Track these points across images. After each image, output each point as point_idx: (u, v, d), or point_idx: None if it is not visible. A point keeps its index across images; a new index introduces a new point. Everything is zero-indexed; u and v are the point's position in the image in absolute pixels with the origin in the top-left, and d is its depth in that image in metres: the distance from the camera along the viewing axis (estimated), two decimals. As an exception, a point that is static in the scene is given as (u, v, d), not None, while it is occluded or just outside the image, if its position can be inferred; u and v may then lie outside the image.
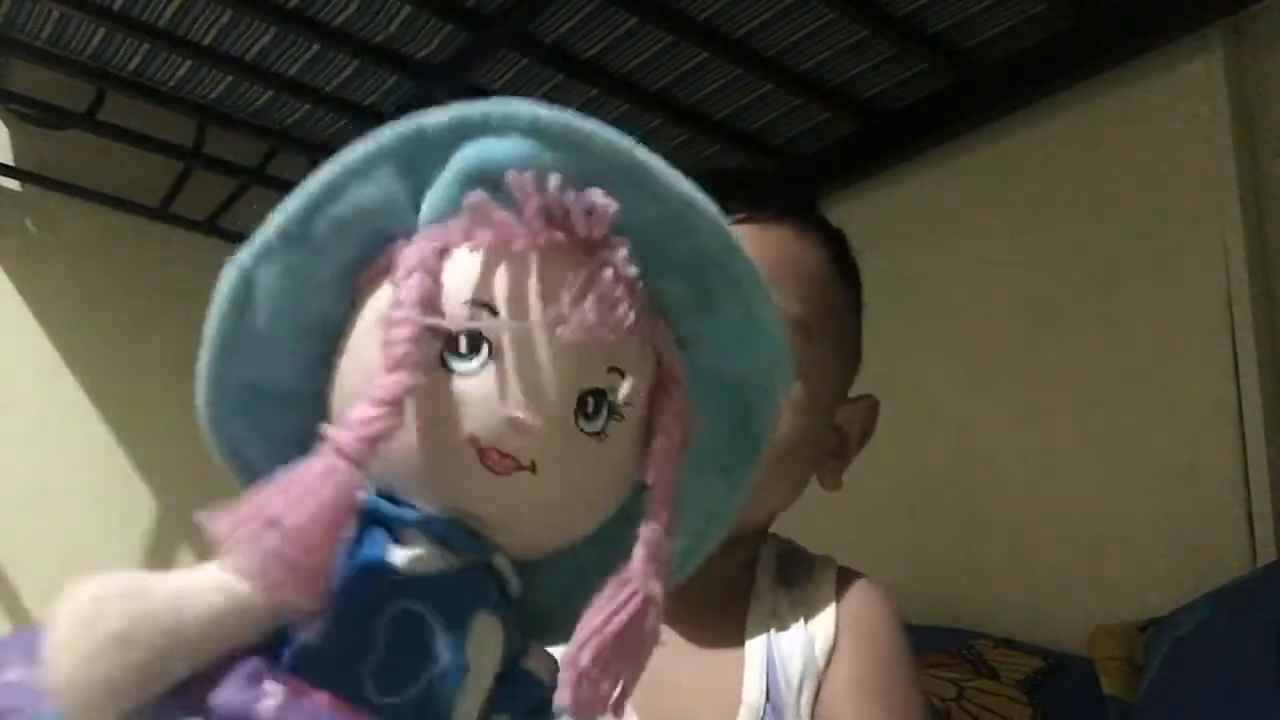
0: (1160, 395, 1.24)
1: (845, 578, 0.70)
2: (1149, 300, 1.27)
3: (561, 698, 0.38)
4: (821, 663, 0.65)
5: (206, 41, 1.41)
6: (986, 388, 1.42)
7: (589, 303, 0.38)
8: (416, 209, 0.40)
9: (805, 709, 0.64)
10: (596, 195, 0.38)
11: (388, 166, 0.39)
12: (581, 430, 0.39)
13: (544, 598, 0.42)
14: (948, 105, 1.45)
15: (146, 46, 1.42)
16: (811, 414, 0.69)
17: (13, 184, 1.70)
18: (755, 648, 0.66)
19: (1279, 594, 0.94)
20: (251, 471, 0.41)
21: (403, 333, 0.37)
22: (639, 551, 0.39)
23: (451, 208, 0.39)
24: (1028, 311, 1.39)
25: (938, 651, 1.18)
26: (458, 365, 0.38)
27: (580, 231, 0.38)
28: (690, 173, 0.40)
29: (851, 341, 0.75)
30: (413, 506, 0.39)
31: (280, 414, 0.41)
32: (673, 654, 0.65)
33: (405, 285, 0.38)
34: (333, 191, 0.39)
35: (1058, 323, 1.35)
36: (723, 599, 0.68)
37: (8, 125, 1.70)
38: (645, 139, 0.39)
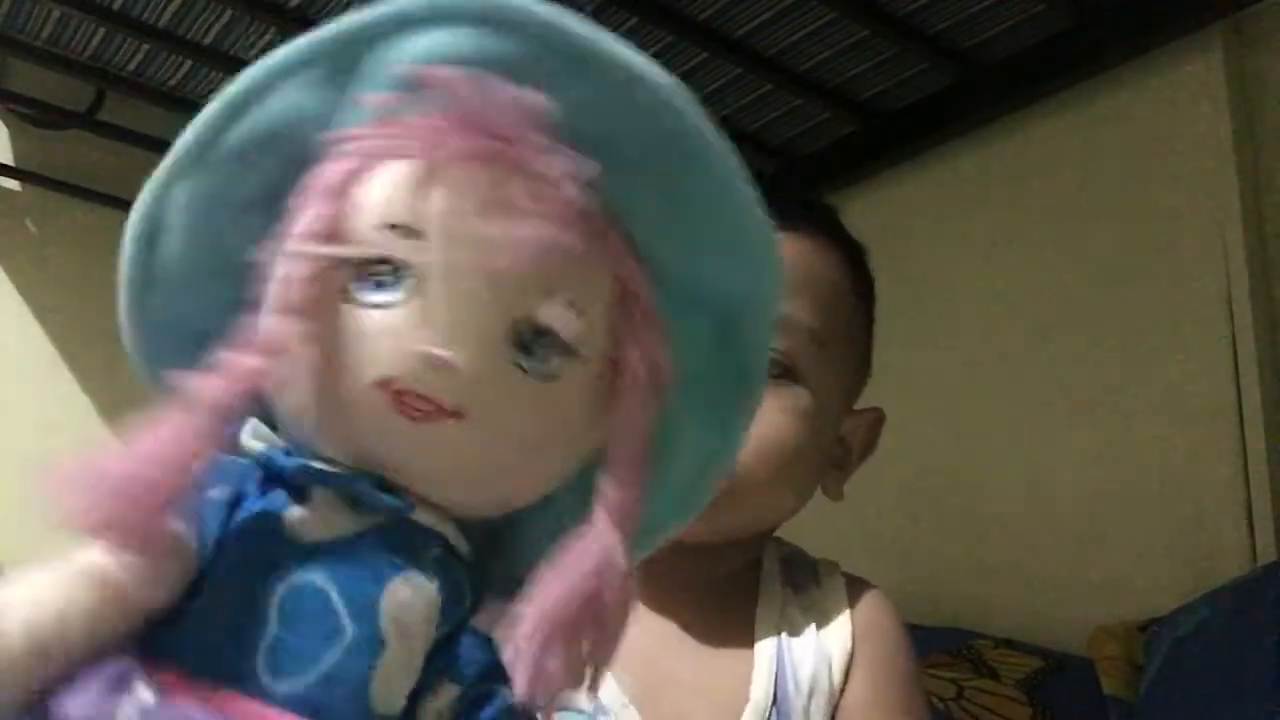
0: (1160, 395, 1.24)
1: (855, 586, 0.70)
2: (1149, 300, 1.27)
3: (515, 682, 0.33)
4: (840, 674, 0.65)
5: (206, 41, 1.41)
6: (986, 388, 1.42)
7: (517, 219, 0.32)
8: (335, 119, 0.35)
9: (816, 716, 0.64)
10: (514, 89, 0.31)
11: (310, 74, 0.34)
12: (520, 369, 0.33)
13: (521, 553, 0.37)
14: (948, 105, 1.45)
15: (146, 46, 1.42)
16: (819, 422, 0.69)
17: (13, 184, 1.70)
18: (765, 648, 0.66)
19: (1279, 594, 0.94)
20: None
21: (297, 270, 0.32)
22: (599, 513, 0.34)
23: (367, 114, 0.34)
24: (1028, 311, 1.39)
25: (938, 651, 1.18)
26: (368, 297, 0.32)
27: (506, 133, 0.31)
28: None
29: (861, 353, 0.76)
30: (317, 458, 0.34)
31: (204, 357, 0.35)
32: (677, 650, 0.66)
33: (303, 215, 0.33)
34: (246, 101, 0.34)
35: (1058, 323, 1.35)
36: (728, 599, 0.69)
37: (8, 125, 1.70)
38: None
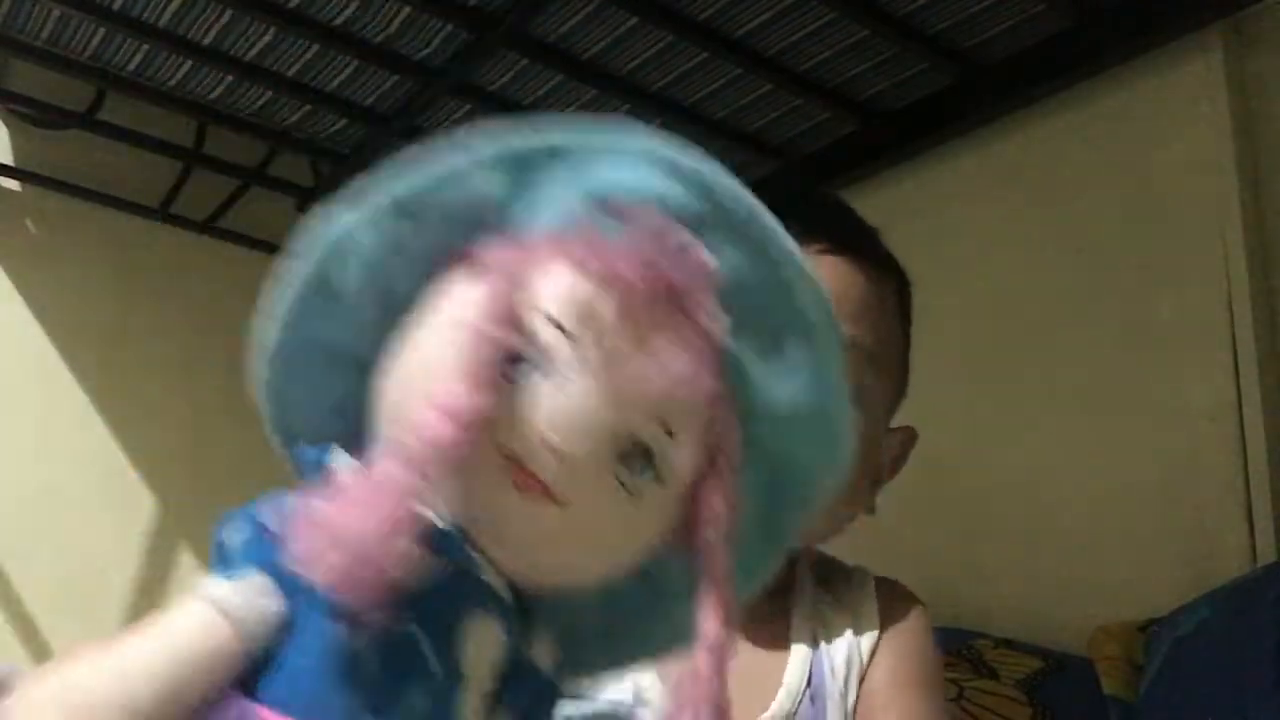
0: (1160, 395, 1.24)
1: (884, 584, 0.74)
2: (1149, 300, 1.27)
3: None
4: (867, 653, 0.69)
5: (206, 41, 1.41)
6: (987, 388, 1.41)
7: (660, 352, 0.36)
8: (514, 207, 0.40)
9: (852, 696, 0.68)
10: (701, 251, 0.37)
11: (507, 166, 0.40)
12: (617, 479, 0.37)
13: (568, 608, 0.41)
14: (948, 105, 1.45)
15: (146, 46, 1.42)
16: (867, 444, 0.71)
17: (13, 184, 1.70)
18: (800, 639, 0.70)
19: (1279, 594, 0.94)
20: (294, 442, 0.41)
21: (485, 350, 0.36)
22: (702, 654, 0.38)
23: (563, 221, 0.39)
24: (1027, 311, 1.39)
25: (938, 651, 1.18)
26: (514, 371, 0.37)
27: (677, 281, 0.37)
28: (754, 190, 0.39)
29: (903, 376, 0.80)
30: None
31: (337, 378, 0.41)
32: None
33: (490, 294, 0.37)
34: (456, 179, 0.40)
35: (1058, 323, 1.35)
36: (765, 599, 0.71)
37: (8, 125, 1.70)
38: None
